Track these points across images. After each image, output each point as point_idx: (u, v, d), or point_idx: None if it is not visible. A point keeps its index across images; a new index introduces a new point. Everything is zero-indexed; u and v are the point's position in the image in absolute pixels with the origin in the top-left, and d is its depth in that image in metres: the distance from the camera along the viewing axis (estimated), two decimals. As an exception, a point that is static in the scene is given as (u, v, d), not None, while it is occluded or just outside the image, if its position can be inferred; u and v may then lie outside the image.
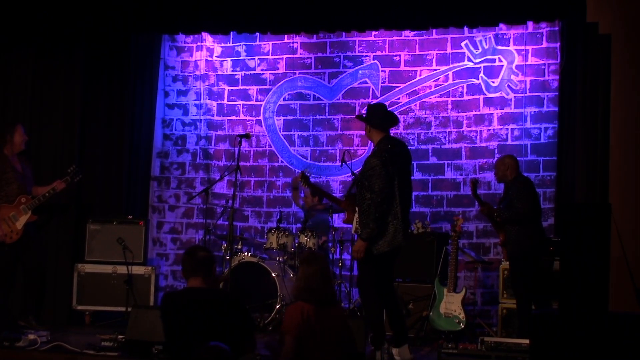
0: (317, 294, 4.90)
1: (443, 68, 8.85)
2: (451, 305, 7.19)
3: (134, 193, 8.80)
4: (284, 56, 9.35)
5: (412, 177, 8.60)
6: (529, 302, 6.66)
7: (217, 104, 9.46)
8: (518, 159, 8.07)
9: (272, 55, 9.38)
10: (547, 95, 8.45)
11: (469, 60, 8.75)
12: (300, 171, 7.96)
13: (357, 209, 6.07)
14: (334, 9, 7.84)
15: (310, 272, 4.94)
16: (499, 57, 8.66)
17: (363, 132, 8.79)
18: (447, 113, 8.82)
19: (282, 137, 9.30)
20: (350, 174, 7.95)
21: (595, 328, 4.75)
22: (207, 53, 9.46)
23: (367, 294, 6.02)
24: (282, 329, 4.88)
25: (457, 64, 8.80)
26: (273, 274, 7.61)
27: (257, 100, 9.38)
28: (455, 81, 8.81)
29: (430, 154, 8.82)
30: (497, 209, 6.89)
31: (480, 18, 7.83)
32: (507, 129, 8.58)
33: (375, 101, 8.85)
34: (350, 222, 6.44)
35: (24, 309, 7.60)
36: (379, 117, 6.17)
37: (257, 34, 9.17)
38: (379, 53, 9.06)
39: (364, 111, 8.94)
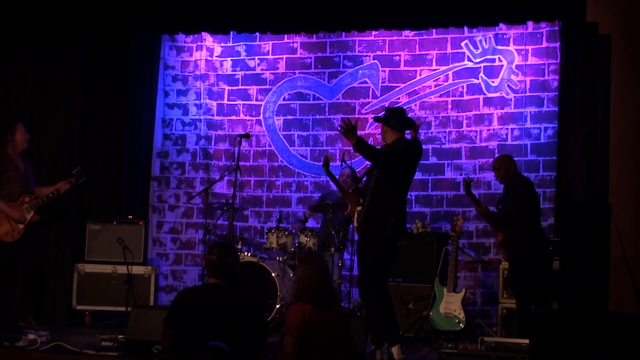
0: (317, 293, 4.89)
1: (443, 68, 8.85)
2: (451, 305, 7.19)
3: (134, 193, 8.80)
4: (284, 56, 9.35)
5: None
6: (529, 303, 6.66)
7: (217, 103, 9.46)
8: (518, 159, 8.14)
9: (272, 55, 9.38)
10: (547, 95, 8.46)
11: (469, 60, 8.75)
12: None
13: (361, 200, 6.10)
14: (333, 8, 7.84)
15: (309, 272, 4.93)
16: (499, 57, 8.66)
17: (363, 132, 8.84)
18: (447, 113, 8.82)
19: (282, 137, 9.31)
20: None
21: (595, 328, 4.75)
22: (207, 53, 9.46)
23: (367, 293, 6.02)
24: (283, 329, 4.88)
25: (457, 64, 8.80)
26: (273, 274, 7.61)
27: (257, 100, 9.38)
28: (455, 81, 8.81)
29: (430, 153, 8.81)
30: (492, 212, 6.91)
31: (480, 18, 7.82)
32: (507, 128, 8.58)
33: (375, 101, 8.89)
34: (351, 215, 6.45)
35: (24, 308, 7.60)
36: (397, 119, 6.19)
37: (257, 33, 9.17)
38: (379, 53, 9.07)
39: (364, 110, 8.99)
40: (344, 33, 9.01)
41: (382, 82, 9.04)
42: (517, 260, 6.71)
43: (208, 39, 9.40)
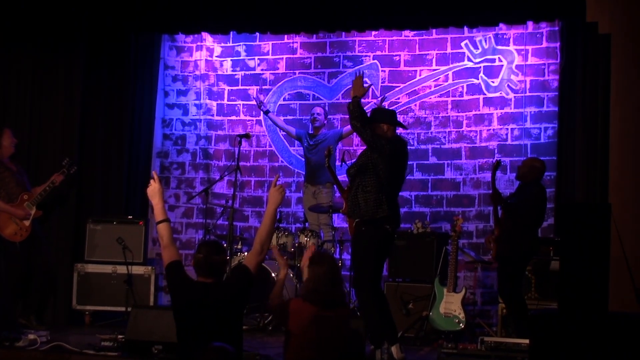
0: (324, 295, 4.89)
1: (443, 68, 8.86)
2: (451, 305, 7.19)
3: (134, 193, 8.78)
4: (284, 56, 9.36)
5: (412, 177, 8.69)
6: (520, 304, 6.65)
7: (217, 103, 9.47)
8: (518, 158, 8.11)
9: (272, 55, 9.39)
10: (547, 95, 8.46)
11: (469, 60, 8.75)
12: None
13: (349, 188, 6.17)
14: (334, 8, 7.84)
15: (319, 273, 4.91)
16: (498, 57, 8.67)
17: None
18: (447, 113, 8.82)
19: (282, 137, 9.31)
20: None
21: (595, 328, 4.75)
22: (207, 53, 9.46)
23: (365, 294, 6.01)
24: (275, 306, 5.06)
25: (457, 64, 8.80)
26: (273, 274, 7.61)
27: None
28: (455, 81, 8.82)
29: (430, 153, 8.82)
30: (503, 198, 6.88)
31: (480, 18, 7.83)
32: (507, 128, 8.58)
33: (375, 101, 8.86)
34: (346, 213, 6.45)
35: (27, 307, 7.61)
36: (388, 120, 6.16)
37: (257, 33, 9.18)
38: (378, 53, 9.07)
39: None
40: (343, 33, 9.02)
41: (382, 82, 9.04)
42: (506, 260, 6.70)
43: (208, 39, 9.41)
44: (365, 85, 6.12)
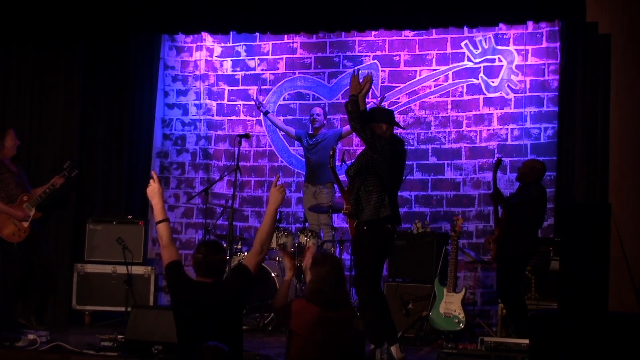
0: (328, 296, 4.89)
1: (443, 68, 8.85)
2: (451, 305, 7.19)
3: (134, 193, 8.78)
4: (284, 56, 9.36)
5: (412, 177, 8.69)
6: (520, 304, 6.65)
7: (217, 104, 9.47)
8: (518, 158, 8.10)
9: (272, 55, 9.39)
10: (547, 95, 8.46)
11: (469, 60, 8.75)
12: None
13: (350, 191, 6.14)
14: (333, 8, 7.84)
15: (322, 274, 4.91)
16: (498, 57, 8.67)
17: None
18: (447, 113, 8.82)
19: (282, 137, 9.31)
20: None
21: (595, 328, 4.75)
22: (206, 53, 9.46)
23: (366, 293, 6.01)
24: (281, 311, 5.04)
25: (457, 64, 8.80)
26: (273, 274, 7.61)
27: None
28: (455, 81, 8.82)
29: (430, 153, 8.82)
30: (504, 197, 6.88)
31: (480, 18, 7.83)
32: (507, 128, 8.58)
33: (375, 101, 8.86)
34: (346, 214, 6.45)
35: (26, 307, 7.62)
36: (386, 120, 6.16)
37: (257, 34, 9.19)
38: (378, 53, 9.07)
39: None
40: (343, 33, 9.02)
41: (381, 82, 9.04)
42: (505, 260, 6.70)
43: (208, 39, 9.41)
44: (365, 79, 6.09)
